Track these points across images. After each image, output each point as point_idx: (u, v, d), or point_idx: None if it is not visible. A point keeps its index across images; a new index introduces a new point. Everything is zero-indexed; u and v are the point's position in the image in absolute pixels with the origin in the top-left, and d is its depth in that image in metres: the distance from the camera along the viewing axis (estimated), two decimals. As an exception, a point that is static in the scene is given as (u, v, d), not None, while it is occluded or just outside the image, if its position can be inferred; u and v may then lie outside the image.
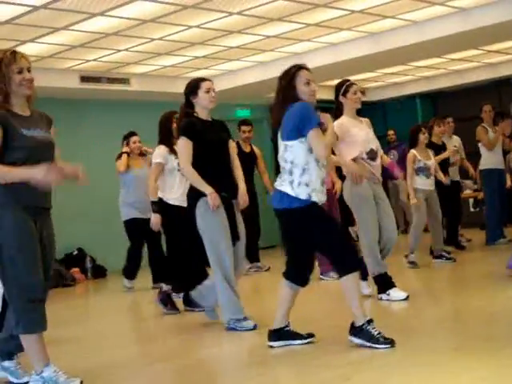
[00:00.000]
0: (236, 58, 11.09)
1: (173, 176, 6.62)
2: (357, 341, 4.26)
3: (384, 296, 6.01)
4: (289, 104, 4.33)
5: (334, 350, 4.33)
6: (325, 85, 12.24)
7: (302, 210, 4.28)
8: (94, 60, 10.27)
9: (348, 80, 6.14)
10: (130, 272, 8.64)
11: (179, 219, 6.31)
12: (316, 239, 4.33)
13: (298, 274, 4.49)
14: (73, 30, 8.62)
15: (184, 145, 5.19)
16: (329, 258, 4.52)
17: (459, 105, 14.23)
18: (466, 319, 4.98)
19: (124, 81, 11.29)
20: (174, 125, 6.41)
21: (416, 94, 14.72)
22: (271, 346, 4.49)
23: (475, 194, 12.67)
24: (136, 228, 8.38)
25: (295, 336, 4.54)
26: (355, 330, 4.28)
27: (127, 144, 8.57)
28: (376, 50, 10.33)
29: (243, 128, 9.35)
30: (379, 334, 4.21)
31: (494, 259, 7.81)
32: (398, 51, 10.40)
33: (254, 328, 5.16)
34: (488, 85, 13.65)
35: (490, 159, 9.57)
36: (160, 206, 6.67)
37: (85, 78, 10.86)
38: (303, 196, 4.28)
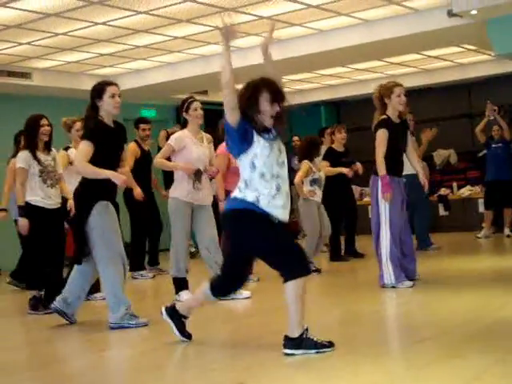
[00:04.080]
0: (142, 57, 10.98)
1: (33, 181, 6.53)
2: (298, 352, 4.01)
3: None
4: None
5: (231, 354, 4.35)
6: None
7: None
8: (-6, 52, 9.96)
9: (191, 97, 6.59)
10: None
11: (40, 220, 6.46)
12: (262, 243, 4.13)
13: (223, 288, 4.46)
14: (-28, 19, 8.33)
15: (85, 147, 5.22)
16: (275, 262, 4.13)
17: (362, 114, 14.56)
18: (356, 324, 5.07)
19: (26, 75, 11.02)
20: (46, 128, 6.48)
21: (320, 101, 15.01)
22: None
23: (374, 201, 12.99)
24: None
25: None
26: (293, 342, 4.03)
27: (19, 143, 8.30)
28: (282, 56, 10.41)
29: (143, 126, 9.10)
30: (318, 339, 4.07)
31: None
32: (304, 59, 10.57)
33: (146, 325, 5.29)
34: (389, 95, 14.05)
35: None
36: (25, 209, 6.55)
37: (-17, 70, 10.54)
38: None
